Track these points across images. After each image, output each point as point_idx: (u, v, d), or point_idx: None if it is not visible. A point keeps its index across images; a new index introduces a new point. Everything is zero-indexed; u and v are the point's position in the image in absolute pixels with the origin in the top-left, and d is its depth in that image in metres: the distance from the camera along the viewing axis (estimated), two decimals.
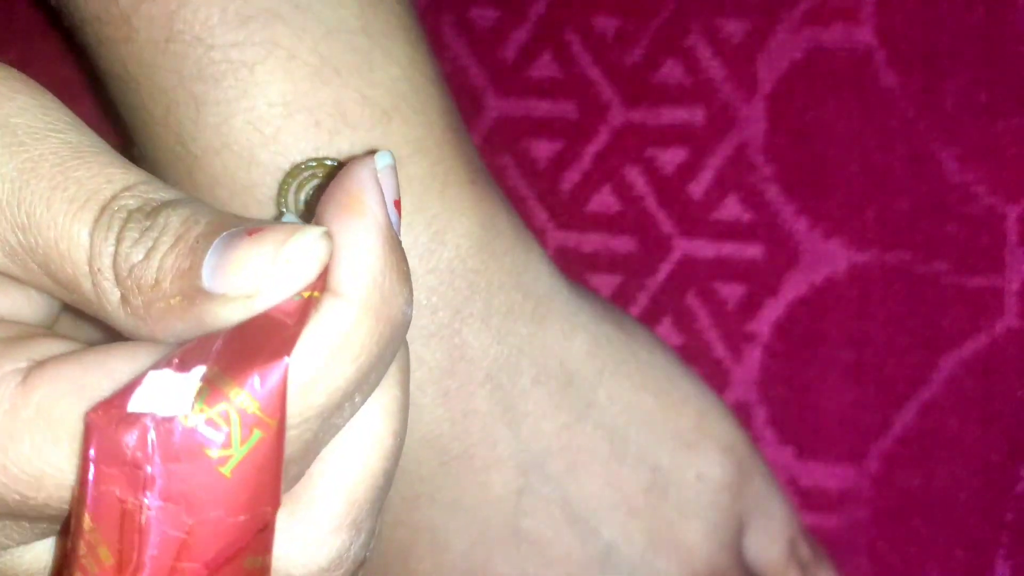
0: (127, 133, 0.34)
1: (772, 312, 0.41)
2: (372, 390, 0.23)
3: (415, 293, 0.33)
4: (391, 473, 0.25)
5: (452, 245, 0.33)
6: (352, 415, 0.23)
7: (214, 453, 0.20)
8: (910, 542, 0.41)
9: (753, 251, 0.41)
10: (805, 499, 0.41)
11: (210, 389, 0.20)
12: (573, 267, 0.41)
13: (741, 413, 0.41)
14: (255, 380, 0.21)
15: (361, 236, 0.22)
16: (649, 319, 0.42)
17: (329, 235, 0.22)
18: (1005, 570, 0.40)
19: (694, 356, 0.41)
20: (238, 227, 0.22)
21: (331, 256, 0.22)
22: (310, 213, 0.31)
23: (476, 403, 0.34)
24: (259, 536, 0.22)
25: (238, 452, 0.21)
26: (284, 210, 0.31)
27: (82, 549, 0.21)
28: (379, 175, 0.23)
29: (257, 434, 0.21)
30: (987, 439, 0.40)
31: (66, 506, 0.22)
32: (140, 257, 0.22)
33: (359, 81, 0.32)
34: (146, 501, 0.21)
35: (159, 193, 0.23)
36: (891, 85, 0.40)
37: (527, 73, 0.42)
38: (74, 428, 0.22)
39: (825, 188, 0.41)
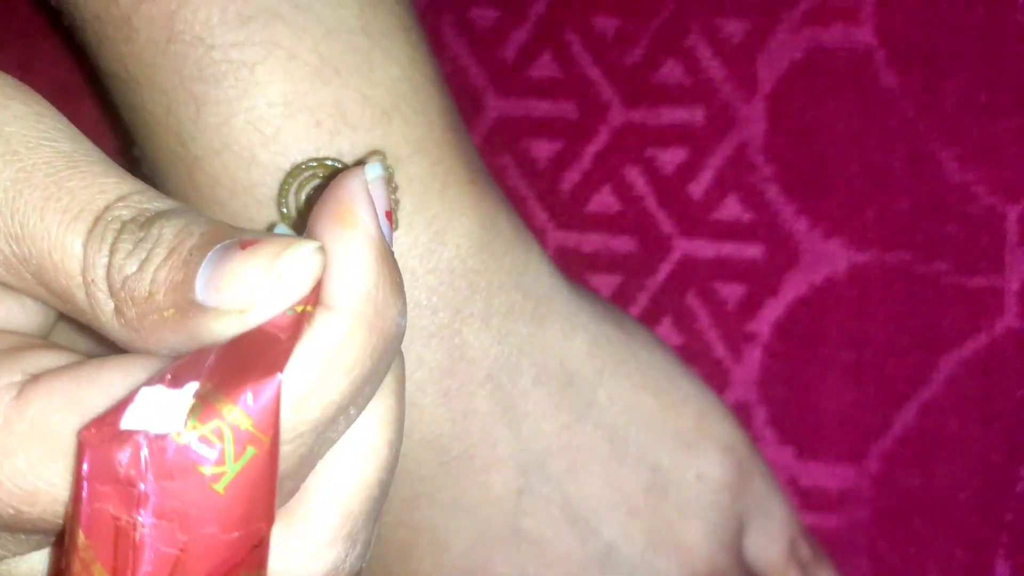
0: (127, 133, 0.34)
1: (772, 312, 0.41)
2: (367, 402, 0.23)
3: (416, 293, 0.33)
4: (387, 484, 0.25)
5: (452, 245, 0.33)
6: (347, 428, 0.23)
7: (207, 470, 0.20)
8: (910, 542, 0.41)
9: (753, 251, 0.41)
10: (805, 499, 0.41)
11: (203, 406, 0.20)
12: (573, 267, 0.41)
13: (741, 413, 0.41)
14: (248, 397, 0.20)
15: (353, 248, 0.22)
16: (649, 319, 0.42)
17: (323, 250, 0.22)
18: (1005, 570, 0.40)
19: (694, 356, 0.41)
20: (232, 239, 0.22)
21: (324, 269, 0.22)
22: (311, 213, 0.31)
23: (476, 403, 0.34)
24: (253, 552, 0.21)
25: (231, 469, 0.20)
26: (284, 211, 0.31)
27: (76, 566, 0.21)
28: (370, 186, 0.23)
29: (251, 451, 0.21)
30: (987, 439, 0.40)
31: (60, 520, 0.22)
32: (134, 269, 0.22)
33: (359, 81, 0.32)
34: (140, 518, 0.21)
35: (153, 203, 0.23)
36: (891, 85, 0.40)
37: (527, 73, 0.42)
38: (68, 443, 0.22)
39: (825, 188, 0.41)
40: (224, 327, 0.21)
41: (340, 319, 0.22)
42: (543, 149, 0.42)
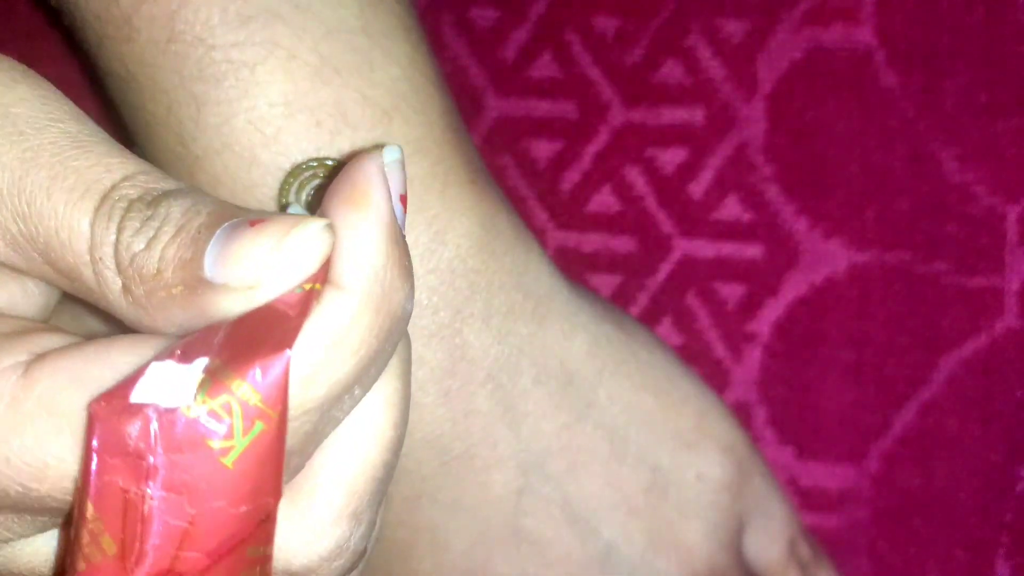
0: (128, 133, 0.34)
1: (772, 312, 0.41)
2: (373, 383, 0.23)
3: (416, 292, 0.33)
4: (392, 465, 0.25)
5: (452, 245, 0.33)
6: (353, 407, 0.23)
7: (216, 444, 0.21)
8: (910, 542, 0.41)
9: (753, 251, 0.41)
10: (805, 499, 0.41)
11: (212, 381, 0.21)
12: (573, 267, 0.41)
13: (741, 413, 0.41)
14: (257, 372, 0.21)
15: (364, 229, 0.22)
16: (649, 319, 0.42)
17: (331, 228, 0.22)
18: (1005, 570, 0.40)
19: (694, 356, 0.41)
20: (240, 218, 0.22)
21: (334, 249, 0.22)
22: (311, 214, 0.31)
23: (477, 403, 0.34)
24: (261, 526, 0.22)
25: (240, 443, 0.21)
26: (291, 201, 0.31)
27: (85, 538, 0.21)
28: (386, 169, 0.23)
29: (259, 426, 0.21)
30: (987, 439, 0.40)
31: (68, 497, 0.22)
32: (142, 246, 0.22)
33: (359, 81, 0.32)
34: (149, 491, 0.21)
35: (159, 183, 0.23)
36: (891, 85, 0.40)
37: (527, 73, 0.42)
38: (76, 419, 0.22)
39: (825, 188, 0.41)
40: (232, 303, 0.21)
41: (348, 298, 0.22)
42: (543, 149, 0.42)
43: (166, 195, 0.23)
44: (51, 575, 0.25)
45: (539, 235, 0.40)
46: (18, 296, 0.25)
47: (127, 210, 0.23)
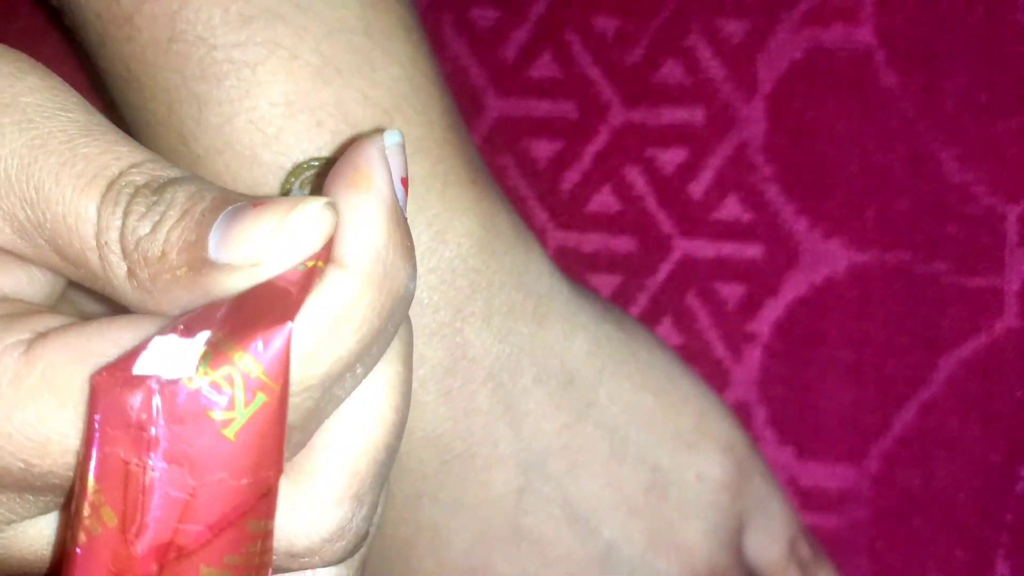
0: (129, 133, 0.34)
1: (772, 312, 0.41)
2: (374, 363, 0.23)
3: (417, 291, 0.33)
4: (394, 448, 0.25)
5: (453, 244, 0.33)
6: (354, 387, 0.23)
7: (218, 416, 0.21)
8: (910, 542, 0.41)
9: (753, 251, 0.41)
10: (805, 499, 0.41)
11: (214, 352, 0.21)
12: (573, 267, 0.41)
13: (741, 413, 0.41)
14: (259, 344, 0.21)
15: (365, 210, 0.22)
16: (649, 319, 0.42)
17: (333, 206, 0.22)
18: (1005, 570, 0.40)
19: (694, 356, 0.41)
20: (244, 201, 0.22)
21: (336, 228, 0.22)
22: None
23: (478, 402, 0.34)
24: (262, 500, 0.22)
25: (242, 415, 0.21)
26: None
27: (86, 510, 0.21)
28: (387, 152, 0.23)
29: (261, 398, 0.21)
30: (987, 439, 0.40)
31: (70, 474, 0.22)
32: (147, 230, 0.22)
33: (361, 81, 0.32)
34: (150, 463, 0.21)
35: (166, 171, 0.24)
36: (891, 85, 0.40)
37: (527, 73, 0.42)
38: (79, 394, 0.22)
39: (825, 188, 0.41)
40: (236, 281, 0.22)
41: (350, 276, 0.22)
42: (543, 149, 0.42)
43: (172, 182, 0.23)
44: (53, 557, 0.25)
45: (539, 235, 0.40)
46: (24, 283, 0.26)
47: (133, 196, 0.23)
